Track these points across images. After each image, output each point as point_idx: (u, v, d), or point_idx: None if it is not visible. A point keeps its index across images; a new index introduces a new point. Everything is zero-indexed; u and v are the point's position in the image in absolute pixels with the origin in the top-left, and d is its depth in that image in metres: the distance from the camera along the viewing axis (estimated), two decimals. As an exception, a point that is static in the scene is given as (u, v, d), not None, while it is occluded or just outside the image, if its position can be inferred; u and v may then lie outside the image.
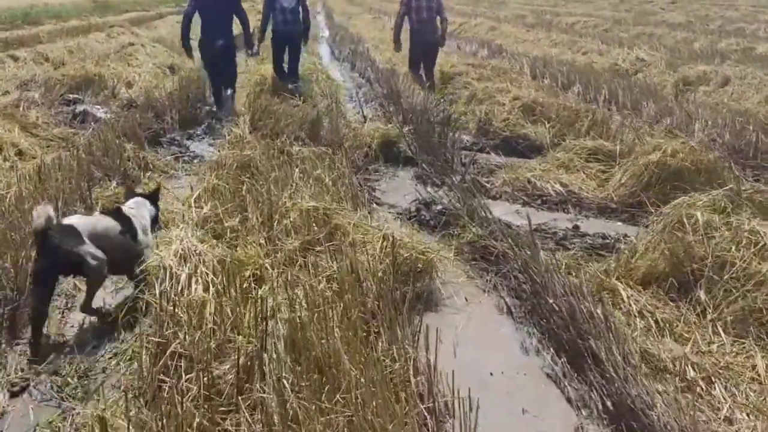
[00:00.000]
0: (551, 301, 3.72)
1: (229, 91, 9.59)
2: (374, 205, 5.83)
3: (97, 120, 8.46)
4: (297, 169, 5.48)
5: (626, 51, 13.22)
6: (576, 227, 5.48)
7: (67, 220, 3.75)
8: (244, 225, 4.51)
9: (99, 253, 3.66)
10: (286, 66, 10.34)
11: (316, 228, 4.28)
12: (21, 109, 8.29)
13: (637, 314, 3.70)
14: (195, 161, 7.11)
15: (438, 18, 10.21)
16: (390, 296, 3.44)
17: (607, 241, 5.05)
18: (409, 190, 6.40)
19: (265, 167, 5.57)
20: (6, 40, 14.70)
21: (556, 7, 35.25)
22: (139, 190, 4.88)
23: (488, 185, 6.40)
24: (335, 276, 3.65)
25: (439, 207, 5.64)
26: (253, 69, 11.80)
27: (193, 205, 4.36)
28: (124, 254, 3.86)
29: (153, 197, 4.32)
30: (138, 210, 4.13)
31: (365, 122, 8.89)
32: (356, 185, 5.47)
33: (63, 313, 4.05)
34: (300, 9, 10.11)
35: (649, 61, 12.47)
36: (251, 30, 10.07)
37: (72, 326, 3.91)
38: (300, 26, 10.19)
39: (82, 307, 3.81)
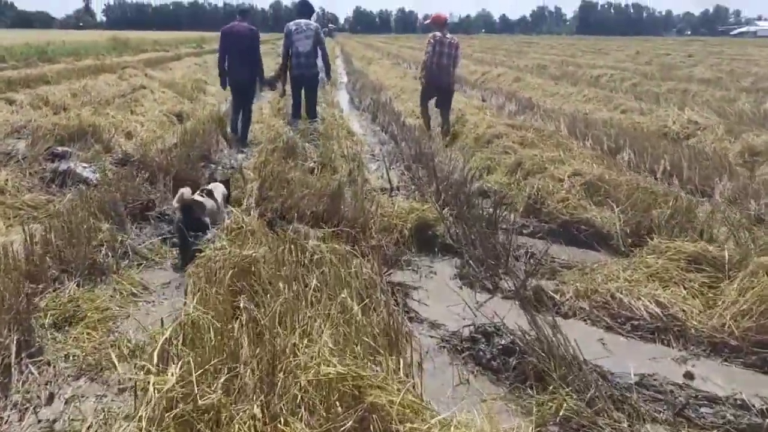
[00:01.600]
0: None
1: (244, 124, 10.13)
2: (410, 325, 4.25)
3: (82, 181, 6.95)
4: (314, 280, 3.90)
5: (676, 112, 11.65)
6: (689, 375, 3.85)
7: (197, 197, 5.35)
8: (232, 386, 2.91)
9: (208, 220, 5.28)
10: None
11: (340, 409, 2.68)
12: (-9, 166, 6.81)
13: None
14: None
15: (453, 65, 10.33)
16: None
17: (750, 416, 3.40)
18: (453, 296, 4.83)
19: (270, 275, 3.99)
20: (8, 80, 13.30)
21: (575, 58, 33.98)
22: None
23: (556, 296, 4.79)
24: None
25: (504, 342, 4.01)
26: (268, 121, 10.34)
27: (153, 369, 2.74)
28: (213, 217, 5.39)
29: (226, 183, 6.13)
30: (216, 190, 5.77)
31: (391, 191, 7.38)
32: (394, 311, 3.83)
33: None
34: (317, 52, 10.28)
35: (703, 124, 10.90)
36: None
37: None
38: (316, 70, 10.33)
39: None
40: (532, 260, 5.58)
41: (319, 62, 10.62)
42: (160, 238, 5.52)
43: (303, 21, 10.30)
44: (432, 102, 10.69)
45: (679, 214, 6.13)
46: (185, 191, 5.20)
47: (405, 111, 13.03)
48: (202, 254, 4.36)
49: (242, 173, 7.24)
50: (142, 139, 8.76)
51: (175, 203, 5.16)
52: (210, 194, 5.56)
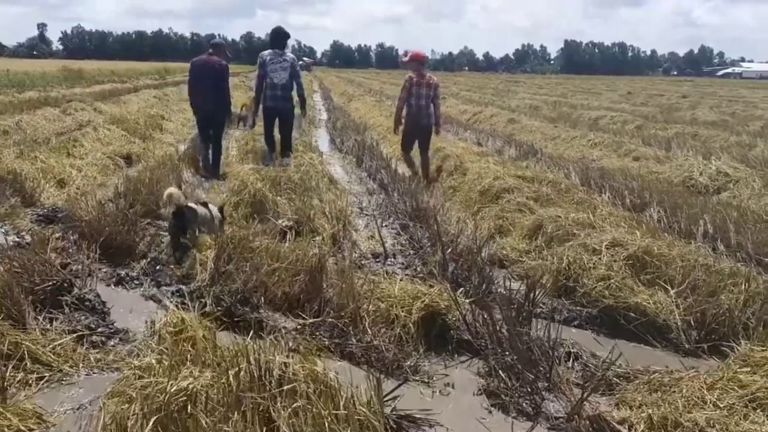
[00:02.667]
0: None
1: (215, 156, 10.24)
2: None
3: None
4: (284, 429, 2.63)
5: (701, 161, 10.58)
6: None
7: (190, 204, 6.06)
8: None
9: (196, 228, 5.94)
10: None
11: None
12: None
13: None
14: (111, 344, 4.22)
15: (432, 106, 10.03)
16: None
17: None
18: (480, 428, 3.58)
19: (217, 420, 2.71)
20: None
21: (567, 98, 33.34)
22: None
23: (623, 429, 3.54)
24: None
25: None
26: (235, 167, 9.12)
27: None
28: (207, 226, 6.02)
29: (220, 209, 6.46)
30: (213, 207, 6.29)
31: (386, 259, 6.16)
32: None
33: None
34: (293, 85, 10.16)
35: (734, 176, 9.83)
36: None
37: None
38: (291, 103, 10.23)
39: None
40: (577, 364, 4.36)
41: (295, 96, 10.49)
42: (74, 336, 4.17)
43: (278, 51, 10.10)
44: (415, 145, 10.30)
45: (755, 300, 4.95)
46: (174, 192, 6.01)
47: (394, 155, 11.90)
48: (120, 379, 3.06)
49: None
50: (77, 188, 7.46)
51: (168, 208, 5.95)
52: (206, 205, 6.22)
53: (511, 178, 7.99)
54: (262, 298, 4.75)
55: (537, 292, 4.83)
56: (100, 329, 4.28)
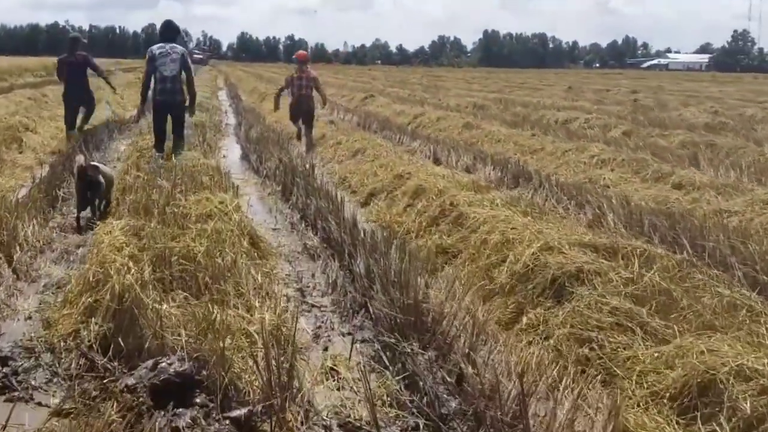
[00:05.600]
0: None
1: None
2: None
3: None
4: None
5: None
6: None
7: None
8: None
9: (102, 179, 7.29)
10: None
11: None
12: None
13: None
14: None
15: (314, 92, 13.67)
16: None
17: None
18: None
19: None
20: None
21: (507, 95, 31.00)
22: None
23: None
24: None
25: None
26: (103, 229, 5.94)
27: None
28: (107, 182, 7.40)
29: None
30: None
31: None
32: None
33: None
34: (182, 77, 10.15)
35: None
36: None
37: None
38: (182, 96, 10.22)
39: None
40: None
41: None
42: None
43: (168, 45, 10.07)
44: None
45: None
46: (80, 158, 7.47)
47: (348, 184, 9.07)
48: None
49: None
50: None
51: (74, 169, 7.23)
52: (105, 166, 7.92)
53: (573, 250, 4.98)
54: None
55: None
56: None
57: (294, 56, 14.48)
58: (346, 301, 5.33)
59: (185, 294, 4.57)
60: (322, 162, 11.80)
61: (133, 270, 4.46)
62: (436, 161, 12.44)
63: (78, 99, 12.89)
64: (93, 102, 13.47)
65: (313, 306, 5.34)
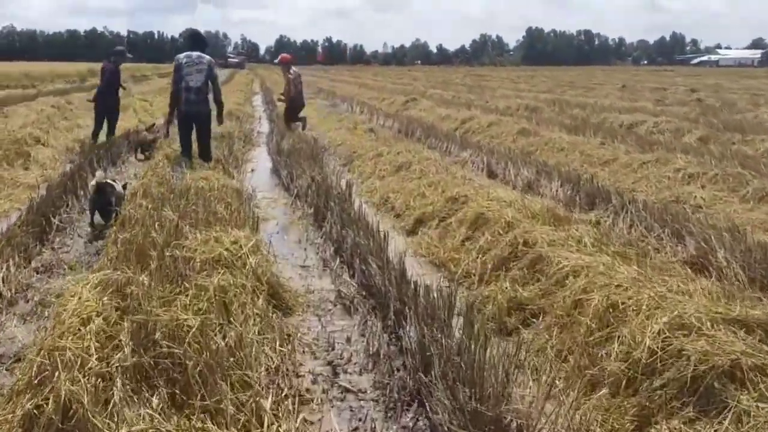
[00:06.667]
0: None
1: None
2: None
3: None
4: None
5: None
6: None
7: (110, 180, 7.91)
8: None
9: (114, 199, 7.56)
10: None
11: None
12: None
13: None
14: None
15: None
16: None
17: None
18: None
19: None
20: None
21: (560, 95, 29.33)
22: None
23: None
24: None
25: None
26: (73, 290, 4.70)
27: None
28: (117, 198, 7.55)
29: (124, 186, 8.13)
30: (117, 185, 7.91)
31: None
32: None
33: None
34: (209, 88, 10.12)
35: None
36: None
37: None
38: (207, 107, 10.27)
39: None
40: None
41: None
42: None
43: (195, 54, 10.10)
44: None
45: None
46: (99, 174, 8.00)
47: (391, 206, 7.80)
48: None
49: None
50: None
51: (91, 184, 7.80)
52: (114, 181, 7.99)
53: (719, 329, 3.49)
54: None
55: None
56: None
57: (278, 60, 16.42)
58: (392, 384, 4.02)
59: (168, 393, 3.28)
60: (361, 178, 10.47)
61: (92, 361, 3.20)
62: (491, 174, 11.12)
63: (109, 108, 13.44)
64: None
65: (347, 390, 4.03)
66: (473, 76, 62.30)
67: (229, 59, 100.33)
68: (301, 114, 16.07)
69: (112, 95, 13.36)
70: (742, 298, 3.99)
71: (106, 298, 4.00)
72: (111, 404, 3.08)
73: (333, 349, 4.59)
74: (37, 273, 5.92)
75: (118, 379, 3.23)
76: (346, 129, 15.34)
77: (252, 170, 11.76)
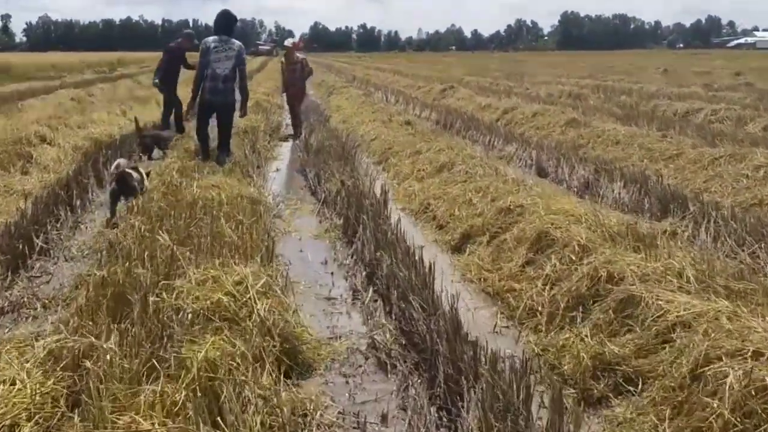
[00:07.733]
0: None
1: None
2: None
3: None
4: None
5: None
6: None
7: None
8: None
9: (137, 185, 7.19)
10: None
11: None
12: None
13: None
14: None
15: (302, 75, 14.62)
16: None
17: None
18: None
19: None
20: None
21: (602, 81, 27.73)
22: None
23: None
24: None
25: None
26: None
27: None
28: (139, 184, 7.16)
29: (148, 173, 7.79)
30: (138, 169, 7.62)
31: None
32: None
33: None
34: (236, 76, 9.45)
35: None
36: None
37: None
38: (233, 97, 9.63)
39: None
40: None
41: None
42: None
43: (224, 38, 9.36)
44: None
45: None
46: (121, 161, 7.73)
47: (432, 214, 6.63)
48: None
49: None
50: None
51: (112, 170, 7.45)
52: (136, 168, 7.53)
53: None
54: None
55: None
56: None
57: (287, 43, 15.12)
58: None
59: None
60: (397, 179, 9.23)
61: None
62: (541, 172, 9.84)
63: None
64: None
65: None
66: (509, 61, 60.52)
67: (259, 47, 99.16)
68: (302, 109, 14.91)
69: (169, 79, 12.83)
70: None
71: (51, 382, 2.88)
72: None
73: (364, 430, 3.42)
74: (1, 315, 4.74)
75: None
76: (381, 121, 14.06)
77: (277, 170, 10.62)
